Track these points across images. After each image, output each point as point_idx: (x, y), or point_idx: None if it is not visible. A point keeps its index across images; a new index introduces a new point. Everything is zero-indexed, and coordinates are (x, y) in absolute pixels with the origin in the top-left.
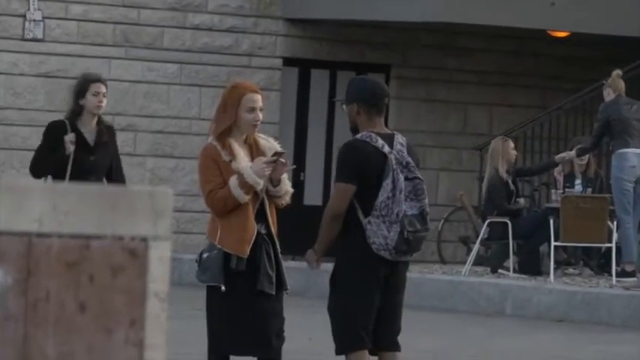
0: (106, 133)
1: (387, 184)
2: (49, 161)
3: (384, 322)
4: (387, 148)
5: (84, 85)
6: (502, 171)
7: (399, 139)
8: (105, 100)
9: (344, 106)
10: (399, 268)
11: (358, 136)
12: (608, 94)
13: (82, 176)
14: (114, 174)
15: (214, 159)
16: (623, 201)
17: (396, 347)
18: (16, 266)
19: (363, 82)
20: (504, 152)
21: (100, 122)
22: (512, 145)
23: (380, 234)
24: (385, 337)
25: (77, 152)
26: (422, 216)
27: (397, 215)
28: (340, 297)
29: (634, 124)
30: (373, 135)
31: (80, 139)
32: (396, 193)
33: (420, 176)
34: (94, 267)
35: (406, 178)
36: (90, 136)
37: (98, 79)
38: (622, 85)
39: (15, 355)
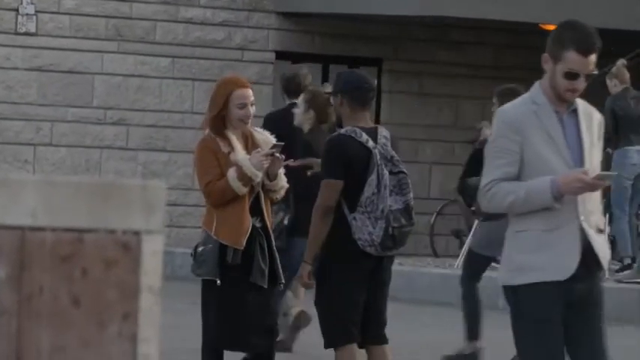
0: None
1: (372, 179)
2: None
3: (370, 316)
4: (371, 143)
5: None
6: None
7: (383, 132)
8: None
9: (331, 99)
10: (384, 263)
11: (342, 130)
12: (615, 85)
13: None
14: None
15: (213, 150)
16: (621, 198)
17: (383, 340)
18: (10, 260)
19: (349, 74)
20: None
21: None
22: None
23: (365, 230)
24: (372, 330)
25: None
26: (407, 210)
27: (382, 211)
28: (327, 292)
29: (639, 120)
30: (357, 130)
31: None
32: (380, 188)
33: (404, 170)
34: (87, 261)
35: (391, 172)
36: None
37: None
38: (627, 75)
39: (9, 350)
